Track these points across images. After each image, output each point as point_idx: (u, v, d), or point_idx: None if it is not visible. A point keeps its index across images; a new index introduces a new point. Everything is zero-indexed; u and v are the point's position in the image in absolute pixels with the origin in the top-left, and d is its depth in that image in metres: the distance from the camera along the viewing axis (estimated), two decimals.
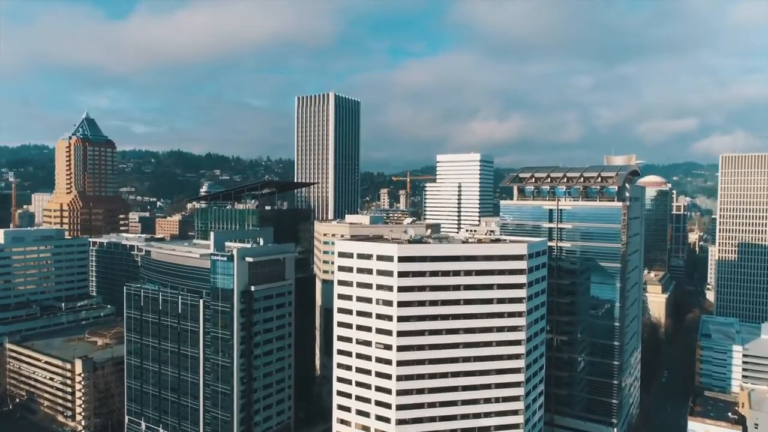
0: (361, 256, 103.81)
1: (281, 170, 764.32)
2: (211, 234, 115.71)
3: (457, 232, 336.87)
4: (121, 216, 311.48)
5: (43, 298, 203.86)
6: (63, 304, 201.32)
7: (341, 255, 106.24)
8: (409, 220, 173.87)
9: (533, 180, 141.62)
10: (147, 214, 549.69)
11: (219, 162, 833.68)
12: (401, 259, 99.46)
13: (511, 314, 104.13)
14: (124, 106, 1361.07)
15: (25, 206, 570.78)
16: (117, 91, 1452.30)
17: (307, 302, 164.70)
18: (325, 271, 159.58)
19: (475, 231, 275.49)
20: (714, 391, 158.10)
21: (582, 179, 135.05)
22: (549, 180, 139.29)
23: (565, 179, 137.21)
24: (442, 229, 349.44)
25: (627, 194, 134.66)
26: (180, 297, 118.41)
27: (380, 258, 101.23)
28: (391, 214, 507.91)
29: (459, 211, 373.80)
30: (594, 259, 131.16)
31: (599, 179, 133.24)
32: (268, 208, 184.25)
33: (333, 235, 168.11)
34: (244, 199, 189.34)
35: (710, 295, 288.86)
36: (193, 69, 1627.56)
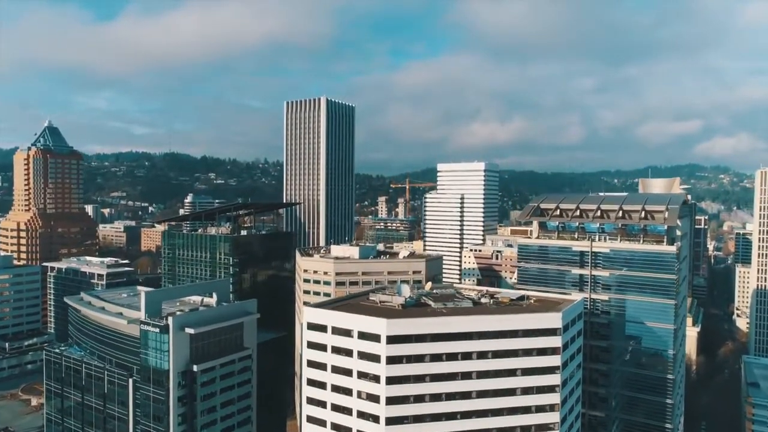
0: (337, 332, 76.99)
1: (277, 173, 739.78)
2: (142, 293, 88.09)
3: (460, 250, 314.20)
4: (88, 241, 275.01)
5: None
6: (7, 343, 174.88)
7: (311, 328, 79.37)
8: (405, 252, 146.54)
9: (558, 213, 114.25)
10: (133, 223, 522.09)
11: (214, 165, 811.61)
12: (391, 340, 72.70)
13: (540, 408, 77.65)
14: (122, 108, 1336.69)
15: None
16: (115, 93, 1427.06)
17: (280, 362, 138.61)
18: None
19: (480, 251, 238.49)
20: None
21: (621, 214, 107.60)
22: (578, 213, 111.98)
23: (599, 213, 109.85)
24: (443, 245, 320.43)
25: (678, 232, 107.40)
26: (106, 372, 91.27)
27: (363, 336, 74.42)
28: (389, 224, 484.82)
29: (461, 224, 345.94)
30: (638, 316, 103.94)
31: (644, 214, 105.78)
32: (244, 232, 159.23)
33: (315, 272, 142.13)
34: (217, 223, 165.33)
35: (740, 322, 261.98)
36: (192, 70, 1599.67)
